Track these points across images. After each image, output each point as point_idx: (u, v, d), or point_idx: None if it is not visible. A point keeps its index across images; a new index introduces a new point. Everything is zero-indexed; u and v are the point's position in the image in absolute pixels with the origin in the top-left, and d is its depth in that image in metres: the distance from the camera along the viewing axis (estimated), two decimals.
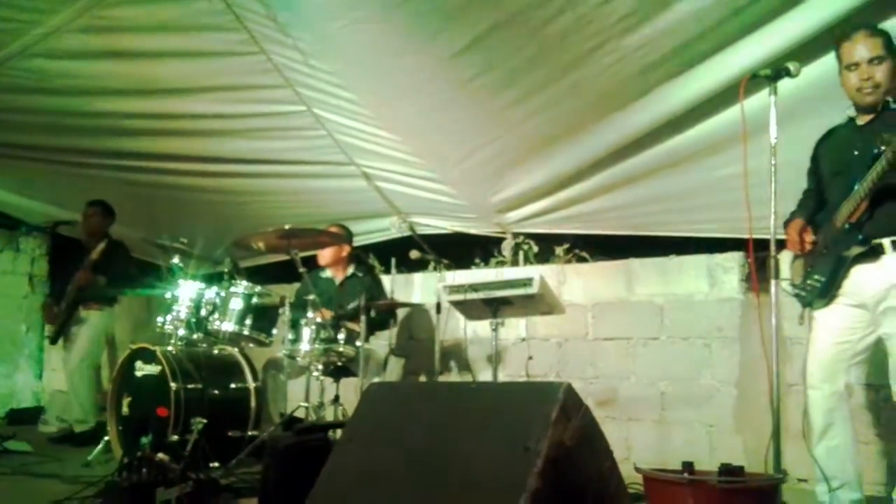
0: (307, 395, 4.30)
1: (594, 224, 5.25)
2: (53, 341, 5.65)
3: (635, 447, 4.76)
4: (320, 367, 4.50)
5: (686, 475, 2.29)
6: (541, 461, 2.07)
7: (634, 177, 4.57)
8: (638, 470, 2.39)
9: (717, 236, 4.74)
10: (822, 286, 3.03)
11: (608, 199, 4.87)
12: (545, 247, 5.71)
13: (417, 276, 6.03)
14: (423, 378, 5.64)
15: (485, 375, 5.30)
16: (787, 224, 3.21)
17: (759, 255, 3.23)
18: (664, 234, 5.00)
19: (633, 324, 4.92)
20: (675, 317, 4.78)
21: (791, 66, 2.92)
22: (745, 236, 3.24)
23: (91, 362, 5.55)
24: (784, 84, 2.99)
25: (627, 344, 4.94)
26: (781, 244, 3.11)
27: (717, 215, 4.59)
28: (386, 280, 5.65)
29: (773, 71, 2.95)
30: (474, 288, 4.08)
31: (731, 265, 4.63)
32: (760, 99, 3.12)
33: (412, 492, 2.19)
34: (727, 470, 2.29)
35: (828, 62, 3.19)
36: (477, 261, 6.04)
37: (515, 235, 5.82)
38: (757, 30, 3.42)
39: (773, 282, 2.98)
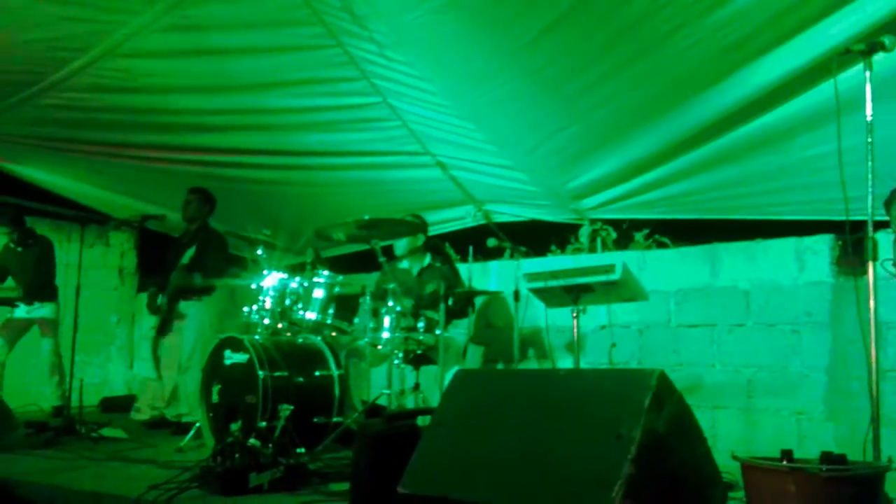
0: (389, 382, 4.34)
1: (675, 208, 5.15)
2: (160, 332, 5.81)
3: (720, 435, 4.66)
4: (401, 355, 4.54)
5: (785, 463, 2.22)
6: (634, 448, 2.05)
7: (717, 159, 4.47)
8: (735, 457, 2.34)
9: (806, 218, 4.59)
10: None
11: (689, 182, 4.77)
12: (623, 233, 5.63)
13: (494, 265, 6.02)
14: (500, 366, 5.64)
15: (564, 363, 5.26)
16: (887, 203, 3.09)
17: (853, 236, 3.11)
18: (749, 217, 4.86)
19: (718, 310, 4.81)
20: (762, 302, 4.65)
21: (886, 39, 2.79)
22: (839, 218, 3.12)
23: (199, 356, 5.67)
24: (877, 58, 2.86)
25: (712, 331, 4.84)
26: (879, 225, 2.99)
27: (806, 197, 4.46)
28: (462, 268, 5.66)
29: (867, 45, 2.83)
30: (555, 275, 4.05)
31: (820, 248, 4.48)
32: (850, 76, 3.00)
33: (504, 477, 2.20)
34: (829, 458, 2.22)
35: None
36: (553, 248, 5.99)
37: (593, 222, 5.75)
38: (848, 3, 3.29)
39: (870, 264, 2.86)
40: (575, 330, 4.19)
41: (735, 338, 4.74)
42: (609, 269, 3.84)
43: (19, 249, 6.25)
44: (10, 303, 5.76)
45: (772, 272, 4.65)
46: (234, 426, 3.76)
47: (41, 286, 6.07)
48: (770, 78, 3.74)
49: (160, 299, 5.69)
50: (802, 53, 3.55)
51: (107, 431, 5.15)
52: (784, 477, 2.18)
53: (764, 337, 4.63)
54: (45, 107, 5.40)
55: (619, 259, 3.98)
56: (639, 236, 5.52)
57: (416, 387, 4.77)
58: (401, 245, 5.29)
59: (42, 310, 6.19)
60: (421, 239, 5.28)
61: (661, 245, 5.40)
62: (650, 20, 3.59)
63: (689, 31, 3.59)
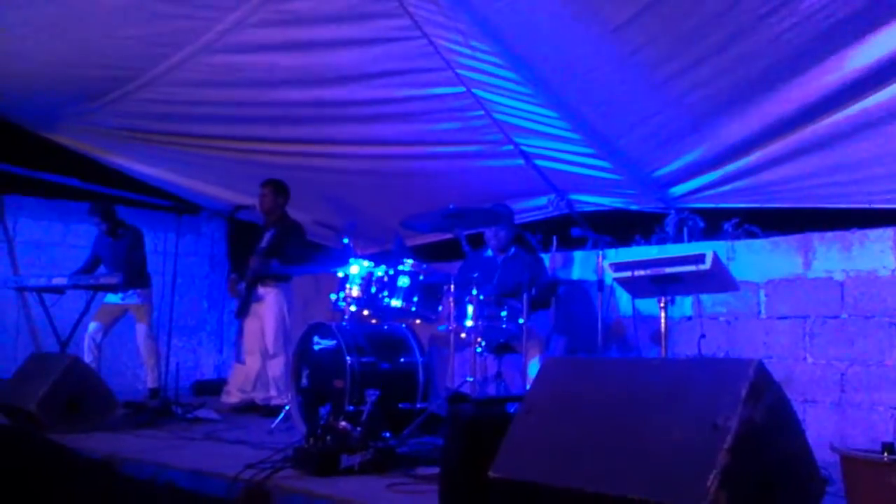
0: (473, 370, 4.39)
1: (767, 197, 4.99)
2: (238, 316, 6.03)
3: (811, 430, 4.52)
4: (484, 343, 4.58)
5: (887, 455, 2.16)
6: (731, 438, 2.03)
7: (812, 146, 4.31)
8: (834, 449, 2.29)
9: None
10: None
11: (782, 170, 4.61)
12: (711, 222, 5.50)
13: (577, 254, 5.99)
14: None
15: (649, 354, 5.20)
16: None
17: None
18: (847, 206, 4.69)
19: (810, 302, 4.67)
20: (858, 294, 4.50)
21: None
22: None
23: (282, 342, 5.85)
24: None
25: (803, 323, 4.70)
26: None
27: None
28: (545, 258, 5.65)
29: None
30: (642, 265, 4.00)
31: None
32: None
33: (596, 465, 2.20)
34: None
35: None
36: (637, 238, 5.91)
37: (679, 211, 5.64)
38: None
39: None
40: (662, 320, 4.13)
41: (828, 330, 4.60)
42: (699, 258, 3.76)
43: (111, 240, 6.54)
44: (111, 289, 6.03)
45: (868, 263, 4.49)
46: (324, 410, 3.88)
47: (133, 274, 6.31)
48: (871, 61, 3.58)
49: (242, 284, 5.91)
50: None
51: (201, 413, 5.37)
52: (886, 469, 2.12)
53: (859, 329, 4.47)
54: (144, 101, 5.63)
55: (708, 249, 3.89)
56: (727, 225, 5.38)
57: (499, 375, 4.80)
58: (498, 235, 5.28)
59: (134, 297, 6.46)
60: (513, 229, 5.30)
61: (751, 234, 5.25)
62: (744, 3, 3.50)
63: (785, 14, 3.48)
